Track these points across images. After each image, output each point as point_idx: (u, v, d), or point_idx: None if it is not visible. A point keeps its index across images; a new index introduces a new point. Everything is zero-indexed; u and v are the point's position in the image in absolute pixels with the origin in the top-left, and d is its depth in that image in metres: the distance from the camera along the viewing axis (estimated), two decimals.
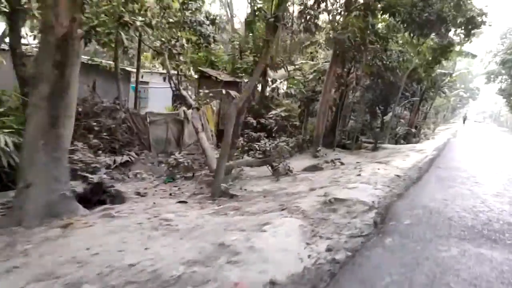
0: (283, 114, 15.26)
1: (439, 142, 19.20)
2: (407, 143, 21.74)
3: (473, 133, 31.07)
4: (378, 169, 7.88)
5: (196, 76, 17.51)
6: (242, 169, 9.65)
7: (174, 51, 11.12)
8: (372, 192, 5.59)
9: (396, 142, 22.59)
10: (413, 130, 23.22)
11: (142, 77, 19.31)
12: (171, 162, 10.31)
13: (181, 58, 11.40)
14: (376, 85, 21.26)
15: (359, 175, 7.19)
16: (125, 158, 11.89)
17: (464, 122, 48.67)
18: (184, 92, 15.78)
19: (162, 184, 9.60)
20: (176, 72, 16.02)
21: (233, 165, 9.02)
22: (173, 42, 10.83)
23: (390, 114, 26.34)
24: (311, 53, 17.81)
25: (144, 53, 21.56)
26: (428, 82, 24.20)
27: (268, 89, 15.65)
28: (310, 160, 13.60)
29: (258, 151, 12.89)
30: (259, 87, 16.07)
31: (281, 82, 15.78)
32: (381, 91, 25.46)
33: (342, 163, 11.82)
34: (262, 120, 16.43)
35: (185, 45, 11.56)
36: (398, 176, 7.34)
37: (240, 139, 13.46)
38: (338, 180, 7.13)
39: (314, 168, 10.60)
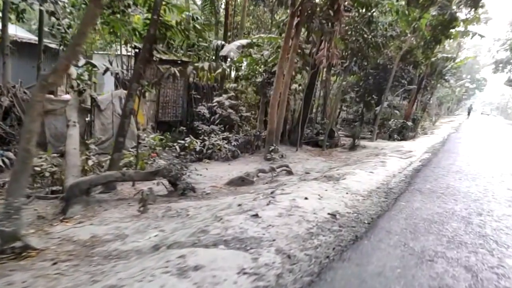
0: (227, 102, 11.71)
1: (437, 139, 15.67)
2: (402, 139, 18.29)
3: (478, 127, 27.31)
4: (306, 198, 4.40)
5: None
6: (114, 185, 6.27)
7: (41, 8, 7.64)
8: None
9: (390, 137, 19.14)
10: (409, 123, 19.57)
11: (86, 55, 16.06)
12: None
13: (62, 21, 7.92)
14: (362, 68, 17.62)
15: (256, 216, 3.72)
16: None
17: (469, 114, 44.77)
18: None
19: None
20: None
21: (84, 182, 5.60)
22: None
23: (384, 104, 22.73)
24: (278, 27, 14.16)
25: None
26: (427, 67, 20.50)
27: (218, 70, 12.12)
28: (260, 163, 10.19)
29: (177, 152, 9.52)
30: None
31: (231, 60, 12.16)
32: (374, 78, 21.83)
33: (290, 172, 8.41)
34: (219, 110, 12.92)
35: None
36: (332, 217, 3.90)
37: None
38: (216, 221, 3.70)
39: (240, 182, 7.16)
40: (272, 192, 4.80)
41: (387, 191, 5.28)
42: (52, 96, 10.95)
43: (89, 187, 5.80)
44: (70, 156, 6.50)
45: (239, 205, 4.28)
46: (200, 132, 11.70)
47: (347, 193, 4.93)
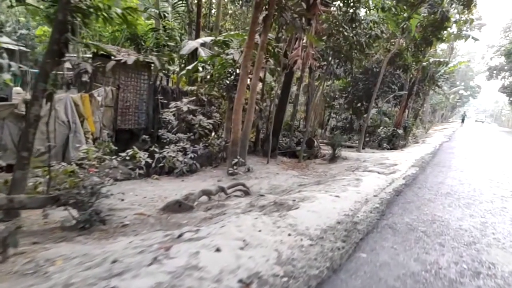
0: (185, 107, 10.27)
1: (428, 149, 14.29)
2: (392, 148, 16.99)
3: (472, 135, 26.01)
4: (218, 249, 2.95)
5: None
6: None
7: None
8: None
9: (379, 146, 17.81)
10: (400, 131, 18.17)
11: None
12: None
13: None
14: (348, 72, 16.29)
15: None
16: None
17: (463, 122, 43.65)
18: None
19: None
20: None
21: None
22: None
23: (373, 111, 21.41)
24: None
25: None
26: (419, 72, 19.23)
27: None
28: (220, 179, 8.75)
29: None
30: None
31: (198, 61, 10.75)
32: (363, 83, 20.52)
33: (247, 192, 6.95)
34: (189, 117, 11.51)
35: None
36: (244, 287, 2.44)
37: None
38: None
39: (177, 208, 5.69)
40: (180, 236, 3.34)
41: (350, 228, 3.84)
42: None
43: None
44: None
45: (114, 261, 2.82)
46: (165, 141, 10.36)
47: (289, 235, 3.49)
